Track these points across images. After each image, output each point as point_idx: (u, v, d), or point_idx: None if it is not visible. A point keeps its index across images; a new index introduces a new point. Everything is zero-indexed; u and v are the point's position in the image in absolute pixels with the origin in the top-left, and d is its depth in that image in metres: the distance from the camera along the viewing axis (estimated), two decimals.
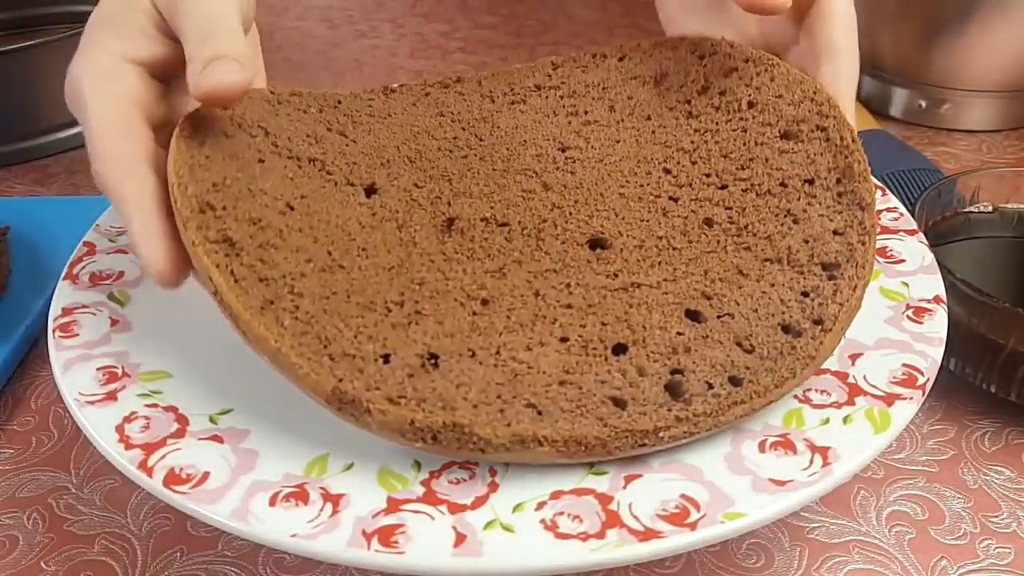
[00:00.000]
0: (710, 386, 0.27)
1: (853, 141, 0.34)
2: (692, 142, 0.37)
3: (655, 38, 0.43)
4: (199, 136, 0.31)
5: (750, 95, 0.37)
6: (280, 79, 0.70)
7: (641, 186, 0.35)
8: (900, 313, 0.32)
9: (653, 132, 0.38)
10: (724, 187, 0.34)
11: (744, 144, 0.35)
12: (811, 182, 0.33)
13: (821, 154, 0.34)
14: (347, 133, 0.37)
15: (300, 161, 0.33)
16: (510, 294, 0.30)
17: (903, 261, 0.35)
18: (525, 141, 0.39)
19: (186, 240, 0.28)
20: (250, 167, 0.31)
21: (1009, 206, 0.43)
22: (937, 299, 0.33)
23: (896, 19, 0.55)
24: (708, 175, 0.35)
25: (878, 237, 0.36)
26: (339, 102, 0.40)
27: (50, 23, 0.74)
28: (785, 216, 0.33)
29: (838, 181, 0.33)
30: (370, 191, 0.35)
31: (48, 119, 0.59)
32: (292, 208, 0.31)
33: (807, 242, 0.32)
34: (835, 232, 0.32)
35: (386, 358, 0.27)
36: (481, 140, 0.40)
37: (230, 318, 0.28)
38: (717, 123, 0.37)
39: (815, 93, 0.36)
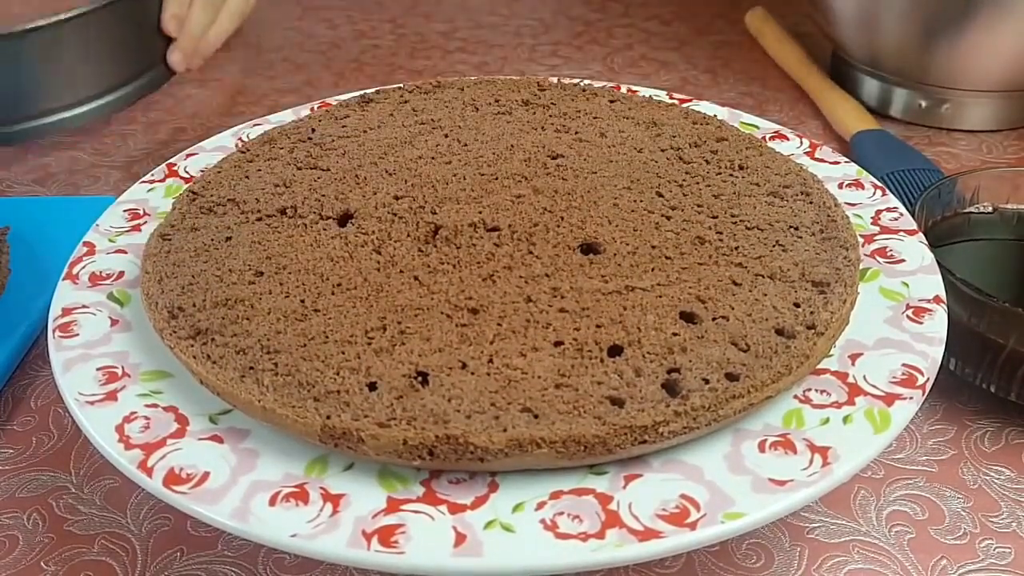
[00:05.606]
0: (707, 382, 0.27)
1: (836, 205, 0.36)
2: (683, 180, 0.37)
3: (644, 95, 0.45)
4: (167, 246, 0.34)
5: (741, 160, 0.39)
6: (280, 79, 0.70)
7: (634, 201, 0.36)
8: (900, 313, 0.32)
9: (644, 163, 0.38)
10: (715, 217, 0.35)
11: (734, 193, 0.36)
12: (796, 228, 0.35)
13: (805, 211, 0.35)
14: (319, 164, 0.38)
15: (270, 219, 0.35)
16: (500, 301, 0.30)
17: (903, 261, 0.35)
18: (512, 147, 0.39)
19: (165, 345, 0.30)
20: (218, 251, 0.33)
21: (1009, 206, 0.43)
22: (937, 299, 0.33)
23: (896, 19, 0.55)
24: (700, 206, 0.36)
25: (878, 237, 0.36)
26: (313, 130, 0.41)
27: None
28: (775, 246, 0.33)
29: (821, 231, 0.34)
30: (344, 219, 0.35)
31: (54, 99, 0.59)
32: (261, 274, 0.32)
33: (796, 264, 0.32)
34: (822, 261, 0.33)
35: (372, 386, 0.27)
36: (465, 146, 0.39)
37: (218, 396, 0.29)
38: (708, 173, 0.38)
39: (800, 170, 0.38)
